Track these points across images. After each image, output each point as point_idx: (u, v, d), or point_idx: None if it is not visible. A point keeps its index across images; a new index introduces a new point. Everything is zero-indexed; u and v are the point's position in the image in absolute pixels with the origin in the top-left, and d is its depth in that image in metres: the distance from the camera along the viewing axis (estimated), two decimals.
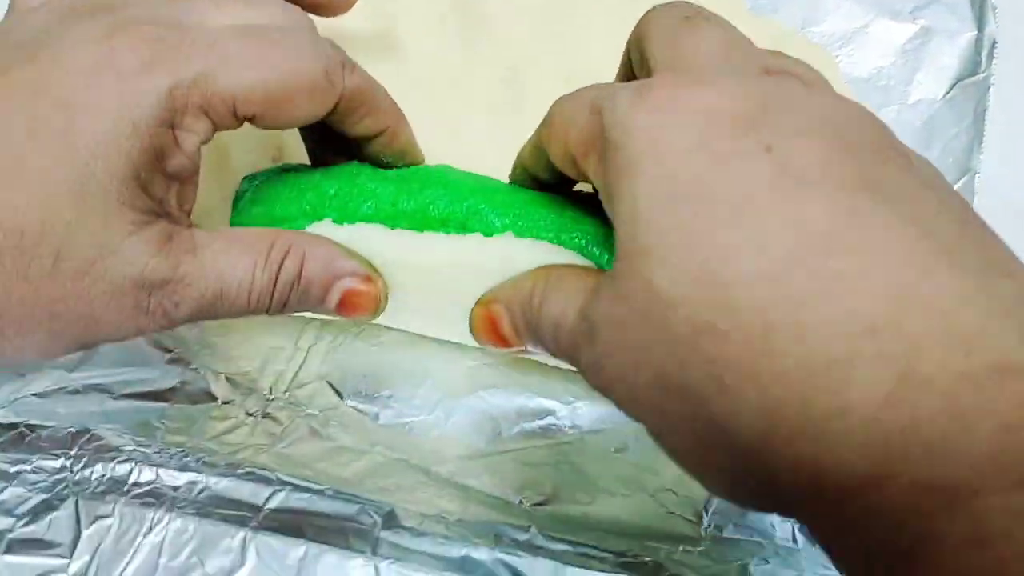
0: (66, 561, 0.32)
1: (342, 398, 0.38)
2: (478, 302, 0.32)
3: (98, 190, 0.26)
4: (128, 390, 0.37)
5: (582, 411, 0.37)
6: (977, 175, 0.42)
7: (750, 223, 0.22)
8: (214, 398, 0.37)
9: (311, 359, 0.39)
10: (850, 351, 0.20)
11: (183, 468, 0.34)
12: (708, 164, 0.23)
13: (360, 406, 0.38)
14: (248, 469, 0.34)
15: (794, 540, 0.35)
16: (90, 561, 0.32)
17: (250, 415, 0.37)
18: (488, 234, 0.32)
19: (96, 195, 0.26)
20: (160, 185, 0.28)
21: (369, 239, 0.33)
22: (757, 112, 0.24)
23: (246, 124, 0.30)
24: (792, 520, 0.34)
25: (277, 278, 0.30)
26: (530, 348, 0.31)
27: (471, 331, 0.32)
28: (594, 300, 0.26)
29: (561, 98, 0.29)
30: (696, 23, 0.29)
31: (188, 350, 0.39)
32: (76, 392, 0.36)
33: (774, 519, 0.35)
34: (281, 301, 0.30)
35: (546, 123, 0.29)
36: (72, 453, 0.34)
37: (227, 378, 0.38)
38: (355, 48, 0.46)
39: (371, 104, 0.32)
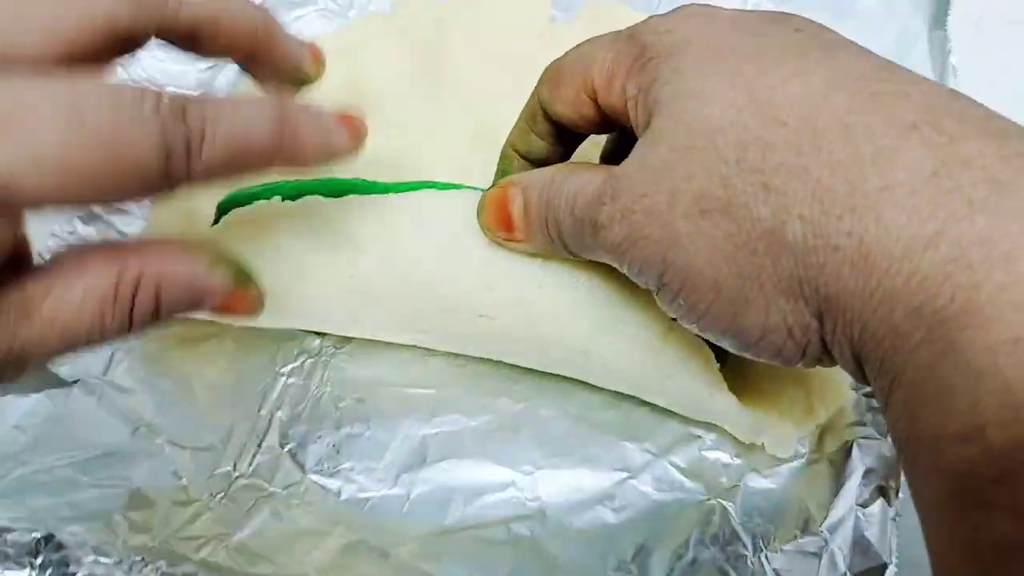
0: None
1: (304, 472, 0.38)
2: (494, 184, 0.35)
3: None
4: (97, 472, 0.37)
5: (542, 481, 0.38)
6: None
7: (792, 65, 0.26)
8: (179, 477, 0.38)
9: (272, 430, 0.39)
10: (895, 141, 0.23)
11: None
12: (746, 35, 0.27)
13: (322, 481, 0.38)
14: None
15: None
16: None
17: (213, 496, 0.37)
18: (443, 188, 0.37)
19: None
20: None
21: None
22: (779, 17, 0.28)
23: None
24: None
25: (131, 319, 0.26)
26: (531, 237, 0.33)
27: (479, 215, 0.35)
28: (623, 163, 0.28)
29: (558, 60, 0.33)
30: None
31: (152, 425, 0.39)
32: (48, 475, 0.37)
33: None
34: (140, 333, 0.27)
35: (549, 81, 0.33)
36: (37, 563, 0.34)
37: (191, 454, 0.38)
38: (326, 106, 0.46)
39: (241, 163, 0.27)
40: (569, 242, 0.32)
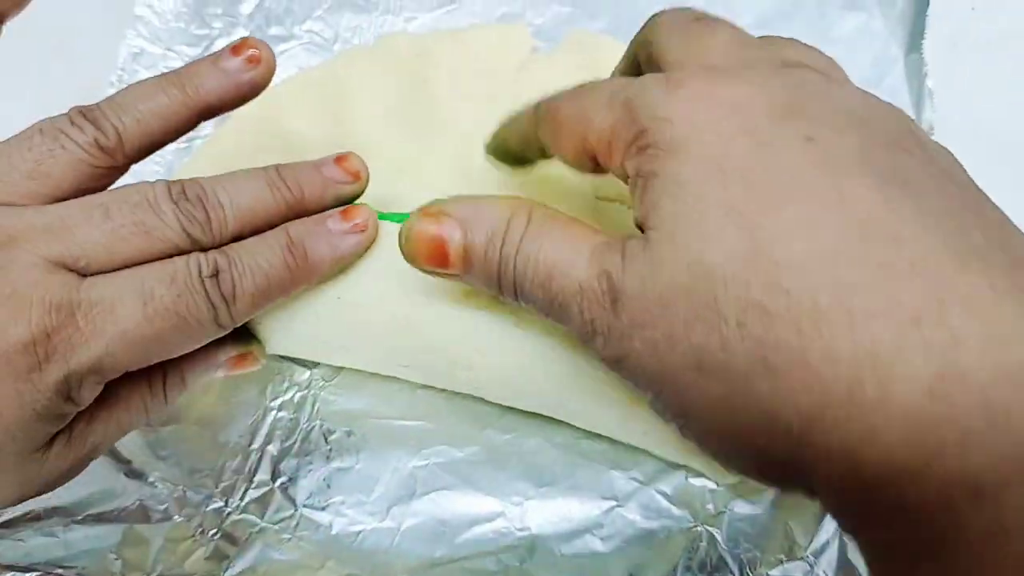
0: None
1: (296, 506, 0.38)
2: (421, 211, 0.31)
3: (10, 456, 0.29)
4: (90, 511, 0.38)
5: (531, 511, 0.38)
6: None
7: (798, 206, 0.23)
8: (171, 514, 0.38)
9: (264, 465, 0.39)
10: (896, 342, 0.21)
11: None
12: (753, 147, 0.25)
13: (313, 515, 0.38)
14: None
15: None
16: None
17: (205, 533, 0.38)
18: None
19: (8, 457, 0.29)
20: (65, 418, 0.31)
21: None
22: (791, 102, 0.25)
23: None
24: None
25: (166, 396, 0.34)
26: (472, 280, 0.31)
27: (402, 243, 0.31)
28: (622, 264, 0.26)
29: (562, 97, 0.30)
30: (708, 22, 0.30)
31: (144, 459, 0.39)
32: (38, 518, 0.37)
33: None
34: (176, 400, 0.35)
35: (547, 128, 0.30)
36: None
37: (184, 491, 0.39)
38: (310, 140, 0.47)
39: (263, 308, 0.34)
40: (531, 308, 0.30)
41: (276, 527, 0.38)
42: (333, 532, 0.38)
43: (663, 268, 0.25)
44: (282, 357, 0.42)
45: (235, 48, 0.34)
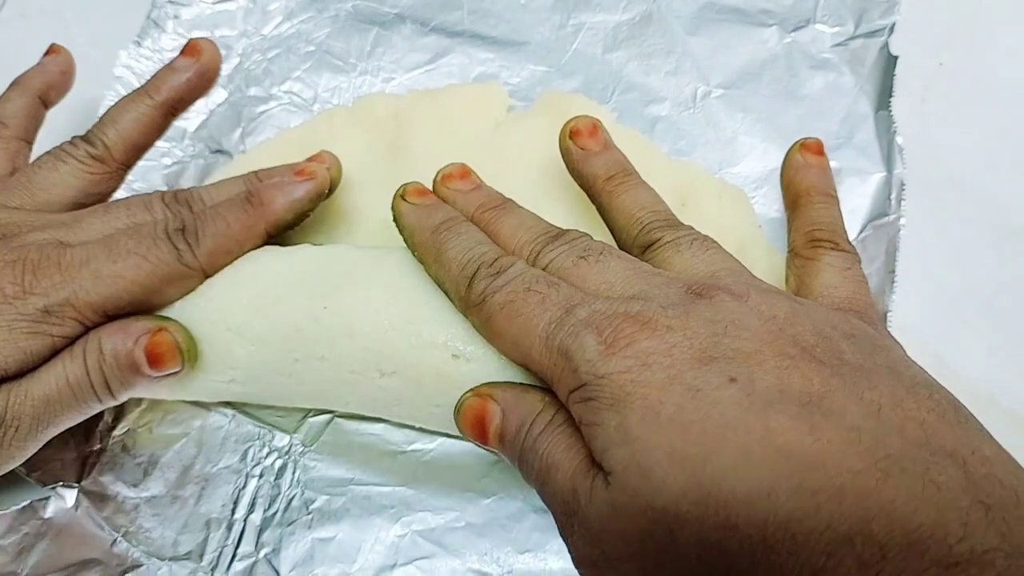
0: None
1: None
2: (474, 389, 0.34)
3: None
4: None
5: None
6: (889, 313, 0.43)
7: (734, 447, 0.26)
8: None
9: (247, 536, 0.40)
10: (835, 562, 0.24)
11: None
12: (685, 395, 0.27)
13: None
14: None
15: None
16: None
17: None
18: None
19: None
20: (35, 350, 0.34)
21: None
22: (711, 345, 0.28)
23: None
24: None
25: (85, 362, 0.35)
26: (504, 455, 0.33)
27: (456, 415, 0.34)
28: (588, 495, 0.28)
29: (495, 304, 0.33)
30: (591, 261, 0.33)
31: (131, 531, 0.40)
32: None
33: None
34: (102, 381, 0.35)
35: (484, 325, 0.34)
36: None
37: (171, 567, 0.39)
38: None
39: (234, 252, 0.38)
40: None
41: None
42: None
43: (623, 513, 0.27)
44: (257, 418, 0.42)
45: (182, 50, 0.43)
